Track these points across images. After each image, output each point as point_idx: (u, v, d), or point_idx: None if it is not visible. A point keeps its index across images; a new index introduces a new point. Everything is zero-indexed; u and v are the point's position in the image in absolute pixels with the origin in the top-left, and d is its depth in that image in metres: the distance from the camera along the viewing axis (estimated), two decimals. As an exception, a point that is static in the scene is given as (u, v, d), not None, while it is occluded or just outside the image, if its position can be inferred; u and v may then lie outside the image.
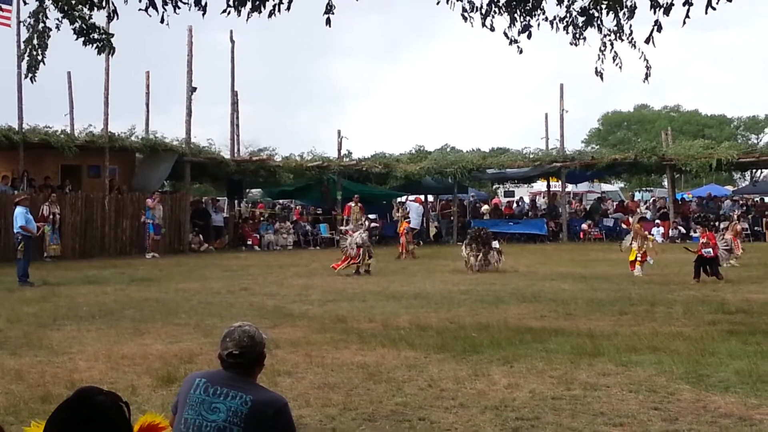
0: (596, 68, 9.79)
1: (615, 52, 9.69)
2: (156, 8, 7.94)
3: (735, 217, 22.55)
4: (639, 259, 18.75)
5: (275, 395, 4.02)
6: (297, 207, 39.56)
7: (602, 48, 9.70)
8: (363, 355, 9.59)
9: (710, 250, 17.29)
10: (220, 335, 4.10)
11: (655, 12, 8.30)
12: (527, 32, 9.52)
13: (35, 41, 8.69)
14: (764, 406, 7.24)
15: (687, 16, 8.02)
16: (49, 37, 8.64)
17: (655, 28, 8.41)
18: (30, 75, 8.95)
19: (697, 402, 7.42)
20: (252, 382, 3.95)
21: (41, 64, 8.82)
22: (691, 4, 7.98)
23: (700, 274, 17.20)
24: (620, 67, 9.77)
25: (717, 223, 33.62)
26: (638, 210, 33.10)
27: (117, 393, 3.13)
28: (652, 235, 19.56)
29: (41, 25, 8.62)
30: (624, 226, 33.43)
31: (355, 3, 8.31)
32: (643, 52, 9.47)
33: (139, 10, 7.83)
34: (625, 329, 11.30)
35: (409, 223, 26.48)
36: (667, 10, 8.21)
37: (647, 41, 8.51)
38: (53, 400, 7.10)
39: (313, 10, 9.39)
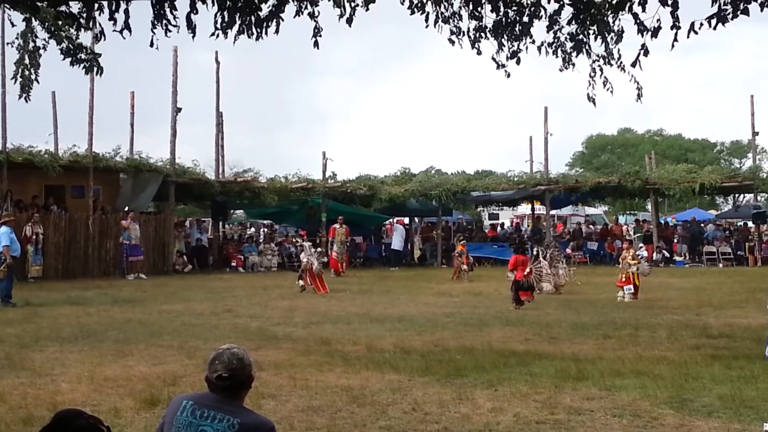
0: (588, 94, 9.84)
1: (605, 77, 9.77)
2: (130, 31, 7.84)
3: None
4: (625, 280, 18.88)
5: (263, 419, 4.01)
6: (302, 231, 39.38)
7: (592, 74, 9.76)
8: (347, 378, 9.58)
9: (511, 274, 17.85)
10: (203, 357, 4.09)
11: (642, 35, 8.35)
12: (516, 58, 9.57)
13: (26, 61, 8.69)
14: (747, 431, 7.27)
15: (675, 39, 8.09)
16: (40, 56, 8.66)
17: (642, 52, 8.47)
18: (24, 95, 8.96)
19: (681, 427, 7.45)
20: (239, 405, 3.94)
21: (35, 82, 8.84)
22: (678, 28, 8.03)
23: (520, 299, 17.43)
24: (611, 92, 9.85)
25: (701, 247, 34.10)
26: (627, 234, 33.23)
27: (98, 416, 3.12)
28: (638, 257, 19.62)
29: (31, 44, 8.62)
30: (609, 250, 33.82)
31: (340, 24, 8.27)
32: (633, 75, 9.55)
33: (114, 31, 7.76)
34: (609, 353, 11.34)
35: (464, 246, 26.56)
36: (655, 33, 8.27)
37: (633, 65, 8.58)
38: (35, 423, 7.04)
39: (298, 31, 9.41)
